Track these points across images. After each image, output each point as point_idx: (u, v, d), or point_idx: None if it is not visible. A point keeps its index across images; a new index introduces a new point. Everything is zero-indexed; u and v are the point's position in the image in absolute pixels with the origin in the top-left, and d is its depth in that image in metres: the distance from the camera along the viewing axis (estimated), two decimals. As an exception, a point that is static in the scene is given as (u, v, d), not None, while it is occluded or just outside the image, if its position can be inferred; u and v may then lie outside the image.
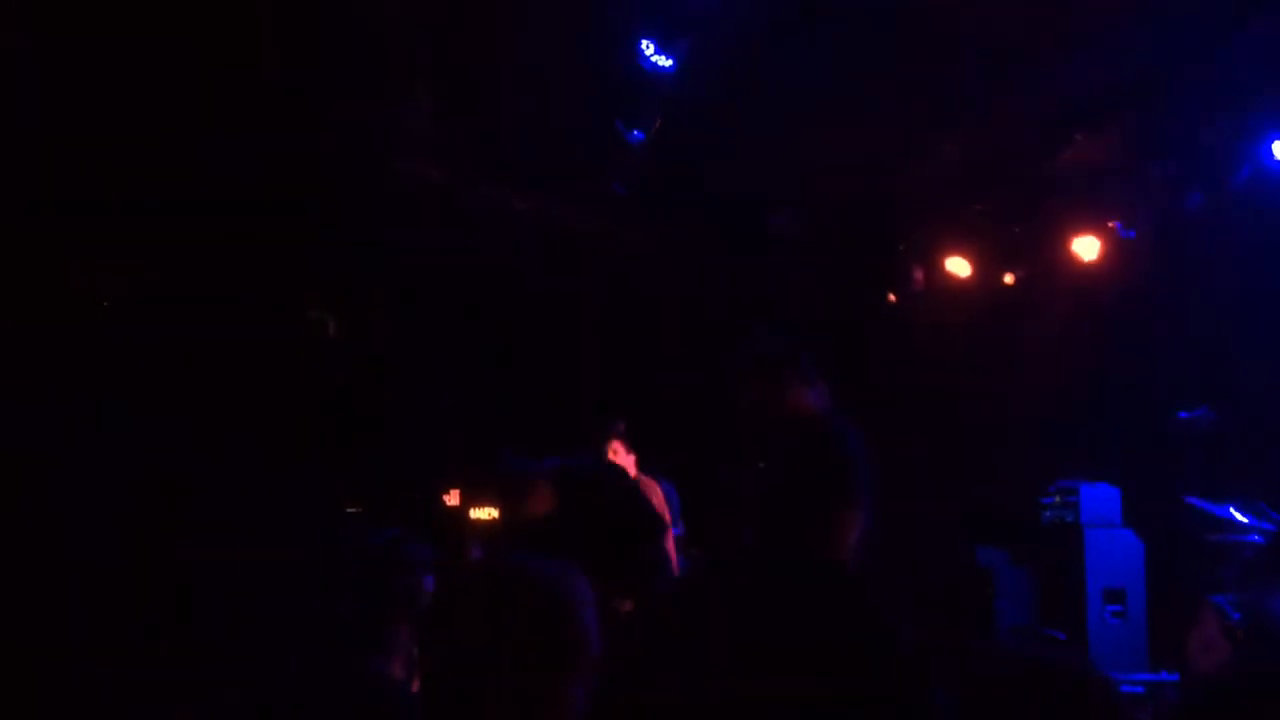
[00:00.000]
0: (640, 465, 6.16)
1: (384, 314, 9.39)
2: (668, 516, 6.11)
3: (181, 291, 8.15)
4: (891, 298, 8.45)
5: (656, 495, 6.13)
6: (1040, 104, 6.41)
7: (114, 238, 7.26)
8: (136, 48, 5.75)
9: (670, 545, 5.99)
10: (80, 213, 6.72)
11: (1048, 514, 6.89)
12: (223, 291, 8.31)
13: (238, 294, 8.41)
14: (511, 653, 1.43)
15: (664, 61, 5.67)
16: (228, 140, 6.67)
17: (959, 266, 7.97)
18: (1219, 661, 5.55)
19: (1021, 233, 7.70)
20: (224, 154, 6.81)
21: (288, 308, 9.03)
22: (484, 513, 10.76)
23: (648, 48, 5.68)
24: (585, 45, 6.07)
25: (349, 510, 8.96)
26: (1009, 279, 7.84)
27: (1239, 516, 5.66)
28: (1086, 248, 7.26)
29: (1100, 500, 6.74)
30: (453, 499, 10.61)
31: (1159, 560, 6.53)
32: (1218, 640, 5.63)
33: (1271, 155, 6.21)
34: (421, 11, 5.89)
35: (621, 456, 6.10)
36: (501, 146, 7.30)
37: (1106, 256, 7.22)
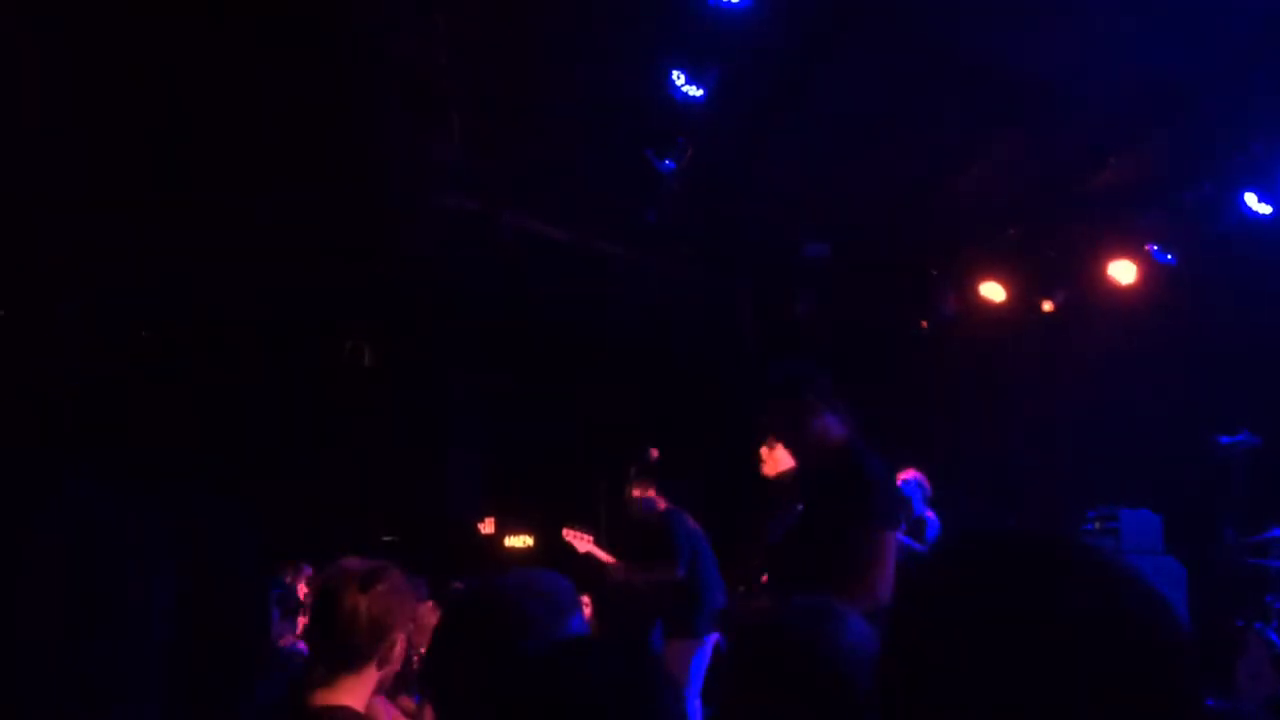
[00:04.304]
0: (665, 494, 6.15)
1: (419, 343, 9.47)
2: (698, 542, 6.09)
3: (220, 318, 8.28)
4: (924, 324, 8.41)
5: (686, 524, 6.12)
6: (1073, 129, 6.38)
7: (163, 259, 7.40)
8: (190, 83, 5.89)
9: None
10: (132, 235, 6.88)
11: (1087, 540, 6.79)
12: (261, 319, 8.43)
13: (277, 322, 8.53)
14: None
15: (694, 91, 5.70)
16: (272, 177, 6.79)
17: (994, 291, 7.92)
18: (1268, 690, 5.45)
19: (1057, 257, 7.65)
20: (268, 190, 6.93)
21: (325, 336, 9.13)
22: (519, 540, 10.79)
23: (678, 78, 5.71)
24: (616, 76, 6.12)
25: (385, 539, 9.02)
26: (1045, 304, 7.78)
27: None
28: (1123, 271, 7.19)
29: (1141, 526, 6.64)
30: (488, 527, 10.64)
31: (1201, 586, 6.42)
32: (1265, 669, 5.53)
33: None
34: (453, 48, 5.97)
35: (645, 487, 6.09)
36: (534, 177, 7.37)
37: (1144, 280, 7.15)
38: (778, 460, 4.43)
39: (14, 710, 0.66)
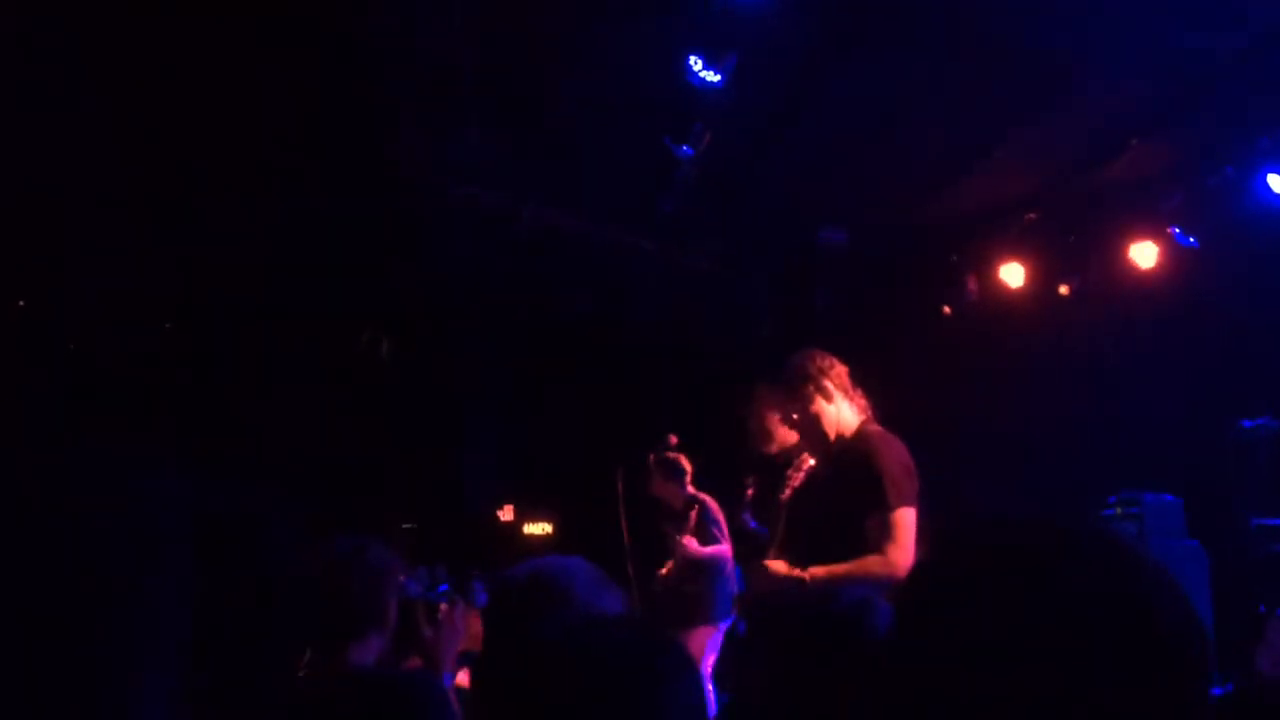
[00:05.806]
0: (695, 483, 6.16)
1: (437, 334, 9.50)
2: (725, 529, 6.11)
3: (241, 313, 8.32)
4: (945, 309, 8.38)
5: (712, 511, 6.14)
6: (1095, 111, 6.33)
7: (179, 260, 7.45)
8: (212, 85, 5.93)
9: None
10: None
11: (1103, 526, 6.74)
12: (281, 312, 8.47)
13: (296, 315, 8.57)
14: None
15: (712, 77, 5.66)
16: (291, 172, 6.82)
17: (1014, 275, 7.88)
18: (1290, 676, 5.42)
19: (1077, 241, 7.60)
20: (287, 185, 6.96)
21: (344, 329, 9.17)
22: (538, 528, 10.82)
23: (696, 63, 5.67)
24: (633, 62, 6.09)
25: (404, 526, 9.07)
26: (1064, 288, 7.73)
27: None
28: (1144, 255, 7.14)
29: (1164, 511, 6.59)
30: (507, 514, 10.68)
31: (1223, 572, 6.38)
32: (1287, 655, 5.49)
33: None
34: (468, 40, 5.96)
35: (672, 475, 6.10)
36: (551, 168, 7.35)
37: (1165, 264, 7.10)
38: (783, 437, 4.43)
39: (29, 687, 0.67)
